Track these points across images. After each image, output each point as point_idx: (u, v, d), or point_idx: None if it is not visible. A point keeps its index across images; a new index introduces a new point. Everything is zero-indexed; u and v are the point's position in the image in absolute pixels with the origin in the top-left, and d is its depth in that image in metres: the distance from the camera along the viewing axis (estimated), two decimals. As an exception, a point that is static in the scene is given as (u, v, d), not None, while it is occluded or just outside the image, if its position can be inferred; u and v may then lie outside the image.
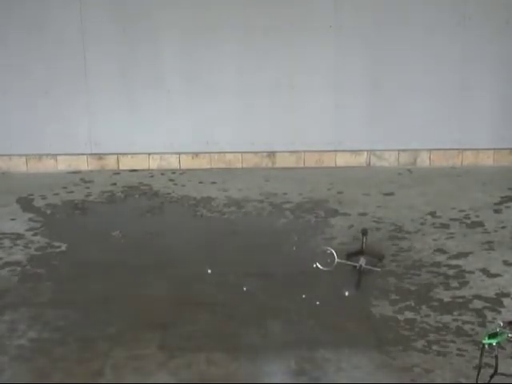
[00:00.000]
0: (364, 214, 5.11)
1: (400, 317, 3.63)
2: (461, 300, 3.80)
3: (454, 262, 4.28)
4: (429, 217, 5.04)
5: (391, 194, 5.55)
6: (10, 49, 6.02)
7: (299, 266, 4.18)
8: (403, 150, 6.26)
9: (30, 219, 5.11)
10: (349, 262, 4.07)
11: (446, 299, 3.82)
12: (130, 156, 6.27)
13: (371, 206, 5.27)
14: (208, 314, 3.68)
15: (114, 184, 5.89)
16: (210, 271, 4.12)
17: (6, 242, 4.67)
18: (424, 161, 6.26)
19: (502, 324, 2.87)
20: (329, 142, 6.24)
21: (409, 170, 6.13)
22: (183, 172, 6.18)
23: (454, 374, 3.12)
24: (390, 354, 3.28)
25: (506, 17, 5.98)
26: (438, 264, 4.25)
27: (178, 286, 4.01)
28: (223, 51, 6.12)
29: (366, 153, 6.26)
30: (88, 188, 5.80)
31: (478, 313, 3.66)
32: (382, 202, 5.38)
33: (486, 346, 2.70)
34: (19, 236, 4.80)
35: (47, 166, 6.27)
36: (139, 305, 3.78)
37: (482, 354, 2.72)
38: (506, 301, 3.76)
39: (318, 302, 3.76)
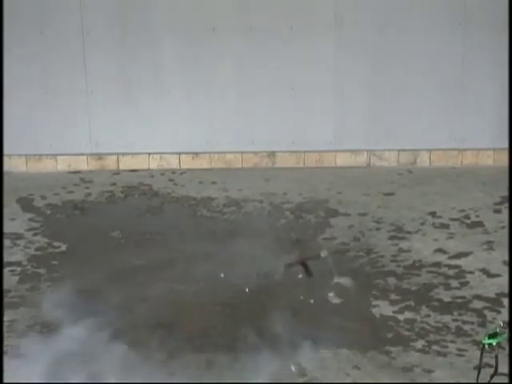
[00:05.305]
0: (364, 214, 5.11)
1: (400, 317, 3.63)
2: (461, 300, 3.81)
3: (453, 262, 4.28)
4: (429, 217, 5.04)
5: (391, 194, 5.55)
6: (11, 49, 6.01)
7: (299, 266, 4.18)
8: (403, 150, 6.26)
9: (30, 219, 5.12)
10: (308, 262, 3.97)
11: (446, 299, 3.82)
12: (130, 156, 6.27)
13: (371, 206, 5.27)
14: (208, 314, 3.68)
15: (114, 184, 5.89)
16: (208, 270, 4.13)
17: (6, 242, 4.66)
18: (424, 161, 6.25)
19: (502, 324, 2.87)
20: (329, 142, 6.24)
21: (409, 170, 6.13)
22: (183, 172, 6.18)
23: (454, 373, 3.12)
24: (390, 354, 3.29)
25: (506, 17, 5.97)
26: (438, 264, 4.26)
27: (178, 285, 4.01)
28: (223, 51, 6.11)
29: (365, 153, 6.26)
30: (88, 188, 5.80)
31: (478, 313, 3.66)
32: (381, 202, 5.38)
33: (486, 346, 2.70)
34: (19, 236, 4.80)
35: (47, 165, 6.27)
36: (139, 304, 3.78)
37: (482, 354, 2.72)
38: (505, 301, 3.76)
39: (311, 301, 3.76)
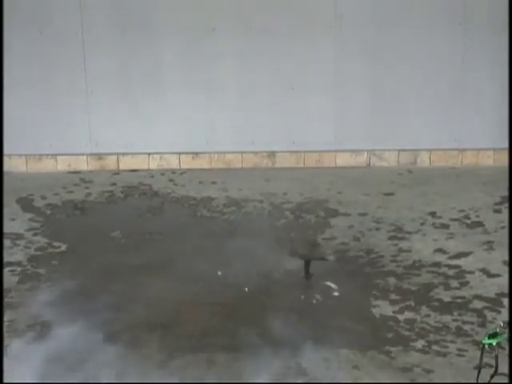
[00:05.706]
0: (364, 214, 5.11)
1: (400, 317, 3.63)
2: (461, 300, 3.80)
3: (453, 262, 4.28)
4: (429, 217, 5.04)
5: (391, 194, 5.55)
6: (11, 49, 6.01)
7: (299, 266, 4.18)
8: (403, 150, 6.26)
9: (30, 219, 5.11)
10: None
11: (446, 299, 3.82)
12: (130, 156, 6.27)
13: (371, 206, 5.27)
14: (208, 314, 3.68)
15: (114, 184, 5.89)
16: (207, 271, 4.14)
17: (6, 242, 4.66)
18: (424, 161, 6.25)
19: (502, 324, 2.87)
20: (329, 142, 6.24)
21: (409, 170, 6.13)
22: (183, 172, 6.18)
23: (454, 373, 3.12)
24: (390, 354, 3.28)
25: (506, 17, 5.97)
26: (438, 264, 4.25)
27: (178, 285, 4.01)
28: (223, 51, 6.11)
29: (366, 153, 6.26)
30: (88, 188, 5.80)
31: (478, 313, 3.66)
32: (381, 202, 5.38)
33: (486, 346, 2.70)
34: (19, 236, 4.80)
35: (47, 166, 6.27)
36: (139, 305, 3.78)
37: (482, 354, 2.71)
38: (505, 301, 3.76)
39: (314, 301, 3.76)
